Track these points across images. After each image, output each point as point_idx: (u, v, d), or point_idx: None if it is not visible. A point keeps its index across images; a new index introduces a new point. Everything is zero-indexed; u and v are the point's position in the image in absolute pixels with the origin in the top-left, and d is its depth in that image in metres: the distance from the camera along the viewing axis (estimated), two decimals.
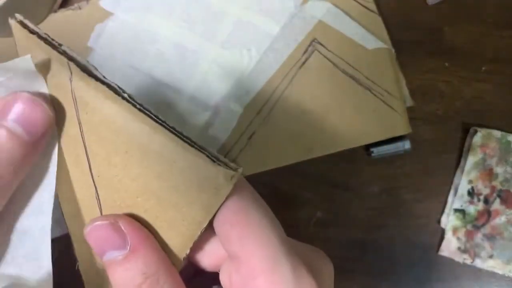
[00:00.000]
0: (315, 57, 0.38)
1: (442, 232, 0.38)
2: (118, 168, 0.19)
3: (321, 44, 0.38)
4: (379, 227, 0.39)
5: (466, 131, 0.39)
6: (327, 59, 0.38)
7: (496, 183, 0.37)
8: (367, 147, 0.39)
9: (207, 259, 0.21)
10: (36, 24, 0.40)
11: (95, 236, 0.18)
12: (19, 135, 0.17)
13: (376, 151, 0.38)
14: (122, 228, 0.18)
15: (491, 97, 0.40)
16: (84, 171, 0.20)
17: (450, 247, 0.37)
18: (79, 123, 0.20)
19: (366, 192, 0.39)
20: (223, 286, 0.20)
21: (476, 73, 0.40)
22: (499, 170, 0.37)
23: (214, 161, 0.19)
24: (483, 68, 0.40)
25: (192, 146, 0.19)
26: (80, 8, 0.40)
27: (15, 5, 0.35)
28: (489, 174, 0.38)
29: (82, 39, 0.39)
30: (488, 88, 0.40)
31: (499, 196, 0.37)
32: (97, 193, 0.20)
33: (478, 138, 0.38)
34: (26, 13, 0.37)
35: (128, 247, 0.18)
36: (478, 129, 0.38)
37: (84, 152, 0.20)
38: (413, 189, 0.39)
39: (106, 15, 0.39)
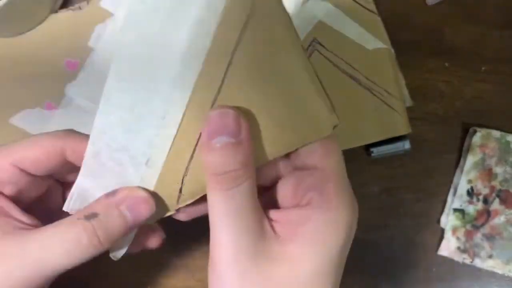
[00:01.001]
0: (315, 57, 0.38)
1: (442, 232, 0.38)
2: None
3: (321, 44, 0.38)
4: (379, 227, 0.39)
5: (466, 131, 0.39)
6: (327, 59, 0.38)
7: (495, 183, 0.37)
8: (367, 147, 0.39)
9: (262, 176, 0.25)
10: (36, 24, 0.40)
11: (218, 118, 0.21)
12: (127, 219, 0.23)
13: (376, 151, 0.38)
14: (242, 121, 0.21)
15: (491, 97, 0.40)
16: (218, 74, 0.22)
17: (449, 247, 0.38)
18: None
19: (366, 192, 0.39)
20: (280, 196, 0.24)
21: (476, 73, 0.40)
22: (498, 170, 0.37)
23: (331, 110, 0.22)
24: (483, 68, 0.40)
25: (320, 83, 0.22)
26: (80, 9, 0.40)
27: (16, 6, 0.35)
28: (489, 174, 0.38)
29: (83, 39, 0.39)
30: (488, 88, 0.40)
31: (498, 196, 0.37)
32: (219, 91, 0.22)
33: (477, 138, 0.38)
34: (27, 13, 0.37)
35: (240, 138, 0.21)
36: (478, 129, 0.38)
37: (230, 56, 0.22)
38: (413, 189, 0.39)
39: (106, 15, 0.39)
